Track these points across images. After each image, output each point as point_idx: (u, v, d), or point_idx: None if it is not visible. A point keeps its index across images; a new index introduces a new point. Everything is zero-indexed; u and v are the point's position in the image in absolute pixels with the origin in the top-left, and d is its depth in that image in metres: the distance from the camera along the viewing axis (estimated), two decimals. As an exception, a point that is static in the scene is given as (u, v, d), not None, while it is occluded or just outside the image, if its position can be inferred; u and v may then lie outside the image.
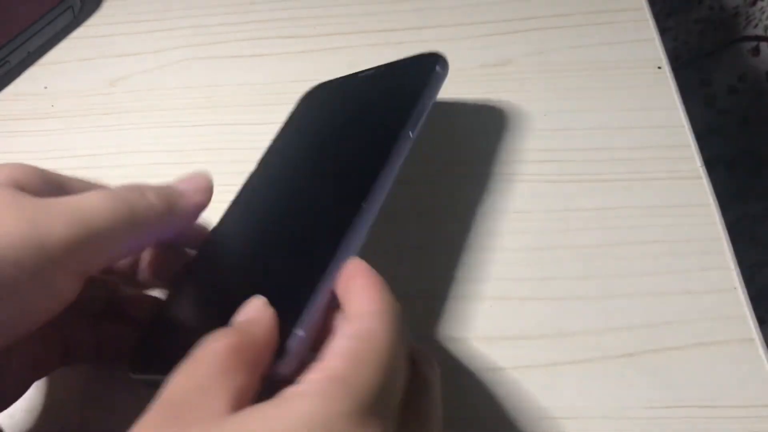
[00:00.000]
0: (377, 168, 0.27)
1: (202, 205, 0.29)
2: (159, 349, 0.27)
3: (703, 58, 0.71)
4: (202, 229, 0.33)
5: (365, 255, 0.25)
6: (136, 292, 0.32)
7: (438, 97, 0.32)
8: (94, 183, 0.28)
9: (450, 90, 0.40)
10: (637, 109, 0.39)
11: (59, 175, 0.27)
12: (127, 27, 0.46)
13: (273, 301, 0.23)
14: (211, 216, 0.38)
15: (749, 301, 0.32)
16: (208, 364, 0.21)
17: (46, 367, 0.29)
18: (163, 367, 0.22)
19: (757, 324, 0.32)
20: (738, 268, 0.33)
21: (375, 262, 0.24)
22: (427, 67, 0.31)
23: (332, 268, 0.24)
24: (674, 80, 0.40)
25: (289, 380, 0.21)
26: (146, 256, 0.30)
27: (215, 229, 0.33)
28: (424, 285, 0.33)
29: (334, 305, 0.24)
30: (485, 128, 0.39)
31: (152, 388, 0.21)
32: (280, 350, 0.22)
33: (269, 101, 0.42)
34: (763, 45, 0.68)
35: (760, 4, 0.66)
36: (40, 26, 0.44)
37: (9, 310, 0.22)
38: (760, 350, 0.31)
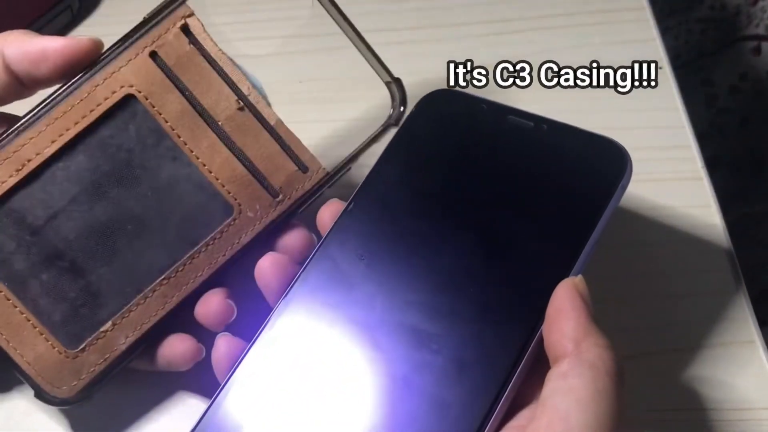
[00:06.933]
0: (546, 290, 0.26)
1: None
2: None
3: (704, 57, 0.71)
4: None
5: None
6: None
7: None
8: None
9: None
10: (638, 110, 0.39)
11: None
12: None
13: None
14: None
15: (750, 303, 0.32)
16: None
17: None
18: None
19: (758, 326, 0.32)
20: (739, 270, 0.33)
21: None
22: (610, 174, 0.28)
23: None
24: (675, 80, 0.40)
25: None
26: None
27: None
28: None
29: None
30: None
31: None
32: None
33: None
34: (764, 44, 0.68)
35: (761, 4, 0.66)
36: (38, 26, 0.43)
37: None
38: (761, 352, 0.31)
